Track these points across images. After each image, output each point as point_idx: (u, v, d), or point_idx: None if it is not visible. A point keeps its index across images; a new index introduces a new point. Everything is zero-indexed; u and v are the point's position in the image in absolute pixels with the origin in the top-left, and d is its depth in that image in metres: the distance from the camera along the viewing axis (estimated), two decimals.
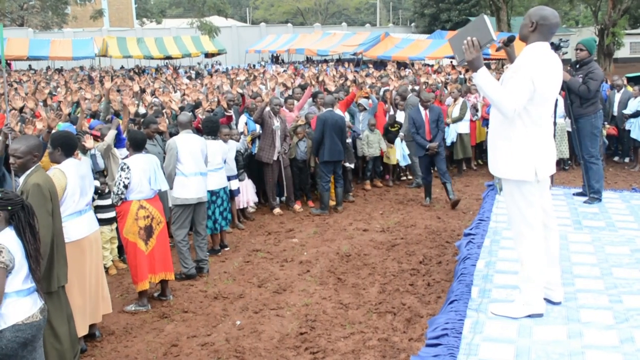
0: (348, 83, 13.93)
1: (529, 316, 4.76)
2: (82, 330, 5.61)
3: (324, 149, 10.20)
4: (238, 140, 9.82)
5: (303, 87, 13.04)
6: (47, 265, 4.76)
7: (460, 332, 4.59)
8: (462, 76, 18.10)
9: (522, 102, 4.42)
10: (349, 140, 11.07)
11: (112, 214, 7.65)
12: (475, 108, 13.34)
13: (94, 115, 8.62)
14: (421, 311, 6.39)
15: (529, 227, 4.66)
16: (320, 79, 13.19)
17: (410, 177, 12.69)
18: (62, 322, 4.98)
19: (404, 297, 6.82)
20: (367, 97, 12.25)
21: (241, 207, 10.10)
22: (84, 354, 5.78)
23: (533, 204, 4.64)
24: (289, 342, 5.92)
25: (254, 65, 34.19)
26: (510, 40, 5.11)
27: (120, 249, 8.03)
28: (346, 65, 27.24)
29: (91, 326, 6.05)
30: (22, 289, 3.96)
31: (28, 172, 4.94)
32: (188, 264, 7.62)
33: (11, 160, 5.03)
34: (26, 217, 4.00)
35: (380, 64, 30.21)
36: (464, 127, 13.04)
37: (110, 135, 7.62)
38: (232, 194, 9.27)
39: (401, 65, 27.10)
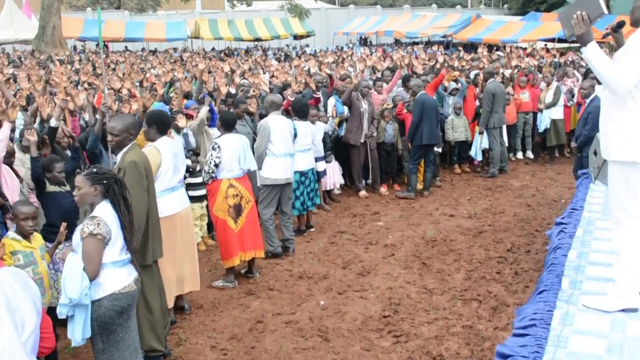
0: (438, 66, 13.68)
1: (623, 310, 4.56)
2: (170, 302, 5.81)
3: (421, 132, 10.07)
4: (326, 122, 9.85)
5: (392, 70, 12.92)
6: (142, 239, 4.93)
7: (549, 324, 4.46)
8: (556, 60, 17.46)
9: (634, 80, 4.19)
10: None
11: (202, 192, 7.85)
12: (571, 93, 12.84)
13: (187, 95, 8.84)
14: (508, 300, 6.27)
15: (630, 217, 4.45)
16: (407, 61, 13.02)
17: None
18: (155, 295, 5.17)
19: (490, 285, 6.70)
20: (456, 81, 12.01)
21: (327, 188, 10.14)
22: (173, 325, 5.99)
23: (638, 195, 4.42)
24: (372, 325, 5.94)
25: (342, 48, 34.13)
26: (620, 25, 4.80)
27: (210, 226, 8.24)
28: (435, 47, 26.76)
29: (180, 299, 6.27)
30: (118, 259, 4.14)
31: (125, 149, 5.12)
32: (274, 243, 7.75)
33: (109, 137, 5.23)
34: (120, 190, 4.16)
35: (470, 46, 29.54)
36: (557, 112, 12.56)
37: (203, 111, 7.83)
38: (319, 176, 9.33)
39: (492, 48, 26.42)
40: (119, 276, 4.13)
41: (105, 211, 4.09)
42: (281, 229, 8.00)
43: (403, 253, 7.80)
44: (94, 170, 4.13)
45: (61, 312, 3.96)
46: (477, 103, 12.03)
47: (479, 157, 11.92)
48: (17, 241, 4.78)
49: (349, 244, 8.24)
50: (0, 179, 5.52)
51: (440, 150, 11.22)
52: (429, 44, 33.43)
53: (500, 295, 6.41)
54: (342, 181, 10.64)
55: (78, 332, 3.98)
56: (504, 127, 11.92)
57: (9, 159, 5.78)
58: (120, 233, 4.14)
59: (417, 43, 34.84)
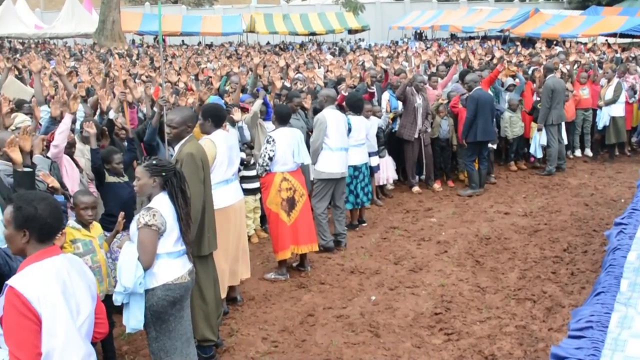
0: (495, 61, 13.45)
1: None
2: (223, 293, 5.88)
3: (475, 128, 9.93)
4: (380, 117, 9.81)
5: (448, 65, 12.77)
6: (197, 231, 5.00)
7: (606, 326, 4.34)
8: (618, 55, 16.94)
9: None
10: None
11: (256, 185, 7.92)
12: (633, 90, 12.45)
13: (243, 89, 8.92)
14: (563, 301, 6.13)
15: None
16: (463, 56, 12.83)
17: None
18: (209, 285, 5.24)
19: (545, 285, 6.57)
20: (514, 76, 11.78)
21: (380, 183, 10.11)
22: (225, 316, 6.06)
23: None
24: (423, 321, 5.90)
25: (397, 42, 33.88)
26: None
27: (263, 218, 8.31)
28: (492, 42, 26.31)
29: (233, 291, 6.34)
30: (172, 251, 4.20)
31: (182, 141, 5.19)
32: (326, 237, 7.76)
33: (167, 130, 5.31)
34: (178, 182, 4.22)
35: (528, 41, 28.91)
36: (618, 109, 12.18)
37: (257, 103, 7.89)
38: (372, 171, 9.30)
39: (551, 43, 25.82)
40: (173, 267, 4.20)
41: (162, 203, 4.16)
42: (334, 223, 8.01)
43: (456, 250, 7.71)
44: (154, 162, 4.20)
45: (116, 300, 4.08)
46: (535, 98, 11.77)
47: (539, 154, 11.67)
48: (76, 230, 4.90)
49: (401, 240, 8.19)
50: (61, 169, 5.67)
51: (495, 146, 11.03)
52: (485, 38, 32.85)
53: (556, 295, 6.27)
54: (395, 176, 10.57)
55: (132, 320, 4.09)
56: (563, 124, 11.64)
57: (70, 149, 5.93)
58: (176, 225, 4.20)
59: (473, 38, 34.30)
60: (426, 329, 5.76)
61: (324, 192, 7.78)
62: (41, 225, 2.97)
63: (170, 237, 4.18)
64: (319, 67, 15.43)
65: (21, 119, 6.85)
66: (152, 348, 4.30)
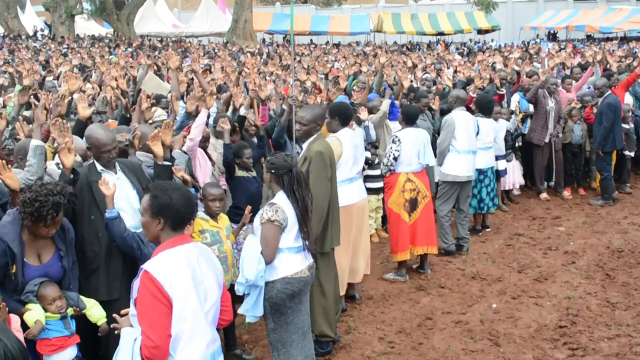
0: (635, 63, 12.71)
1: None
2: (342, 290, 5.93)
3: (612, 137, 9.44)
4: (509, 120, 9.54)
5: (583, 67, 12.20)
6: (322, 228, 5.08)
7: None
8: None
9: None
10: (629, 126, 10.15)
11: (379, 184, 7.92)
12: None
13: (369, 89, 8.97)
14: None
15: None
16: (599, 58, 12.20)
17: None
18: (329, 281, 5.31)
19: None
20: None
21: (506, 188, 9.84)
22: (344, 313, 6.11)
23: None
24: (546, 334, 5.68)
25: (529, 43, 32.76)
26: None
27: (385, 218, 8.30)
28: (633, 44, 24.80)
29: (352, 288, 6.39)
30: (293, 246, 4.31)
31: (310, 139, 5.29)
32: (448, 240, 7.65)
33: (296, 127, 5.42)
34: (290, 181, 4.30)
35: None
36: None
37: (386, 104, 7.90)
38: (499, 175, 9.06)
39: None
40: (293, 261, 4.30)
41: (283, 199, 4.28)
42: (456, 226, 7.88)
43: (585, 262, 7.36)
44: (270, 158, 4.35)
45: (238, 290, 4.27)
46: None
47: None
48: (205, 220, 5.10)
49: (526, 248, 7.93)
50: (194, 162, 5.93)
51: (632, 154, 10.41)
52: (625, 39, 31.08)
53: None
54: (522, 181, 10.27)
55: (250, 310, 4.26)
56: None
57: (204, 143, 6.18)
58: (297, 221, 4.29)
59: (611, 39, 32.56)
60: (549, 342, 5.54)
61: (448, 195, 7.68)
62: (175, 213, 3.11)
63: (292, 232, 4.28)
64: (448, 68, 15.21)
65: (159, 114, 7.23)
66: (270, 339, 4.43)
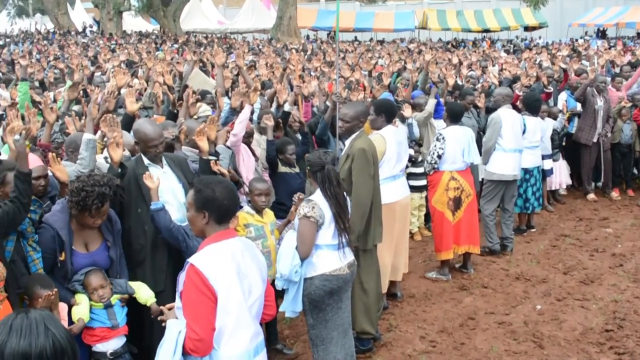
0: None
1: None
2: (384, 287, 5.91)
3: None
4: (555, 119, 9.37)
5: (634, 65, 11.92)
6: (364, 225, 5.07)
7: None
8: None
9: None
10: None
11: (423, 182, 7.87)
12: None
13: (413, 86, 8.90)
14: None
15: None
16: None
17: None
18: (371, 278, 5.29)
19: None
20: None
21: (552, 188, 9.70)
22: (385, 311, 6.09)
23: None
24: (592, 337, 5.57)
25: (577, 40, 32.09)
26: None
27: (427, 216, 8.25)
28: None
29: (394, 286, 6.36)
30: (331, 243, 4.31)
31: (353, 136, 5.29)
32: (493, 240, 7.57)
33: (339, 123, 5.42)
34: (322, 178, 4.31)
35: None
36: None
37: (431, 104, 7.84)
38: (545, 174, 8.92)
39: None
40: (331, 258, 4.30)
41: (320, 196, 4.30)
42: (501, 226, 7.78)
43: (633, 265, 7.19)
44: (308, 155, 4.36)
45: (277, 285, 4.30)
46: None
47: None
48: (250, 215, 5.14)
49: (572, 249, 7.79)
50: (238, 157, 5.98)
51: None
52: None
53: None
54: (569, 181, 10.08)
55: (290, 305, 4.29)
56: None
57: (248, 139, 6.23)
58: (333, 218, 4.29)
59: None
60: (595, 345, 5.44)
61: (493, 194, 7.59)
62: (218, 207, 3.14)
63: (330, 229, 4.28)
64: (493, 65, 15.01)
65: (203, 109, 7.31)
66: (310, 334, 4.46)
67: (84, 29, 37.01)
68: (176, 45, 26.66)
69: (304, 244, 4.20)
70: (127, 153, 5.05)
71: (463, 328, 5.83)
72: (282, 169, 6.18)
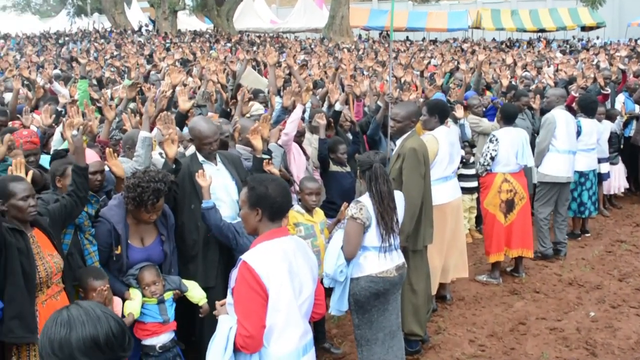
0: None
1: None
2: (434, 289, 5.87)
3: None
4: (613, 121, 9.14)
5: None
6: (414, 225, 5.05)
7: None
8: None
9: None
10: None
11: (474, 184, 7.79)
12: None
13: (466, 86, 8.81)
14: None
15: None
16: None
17: None
18: (421, 279, 5.26)
19: None
20: None
21: (611, 192, 9.48)
22: (434, 313, 6.05)
23: None
24: None
25: (636, 40, 31.20)
26: None
27: (478, 219, 8.15)
28: None
29: (443, 288, 6.31)
30: (378, 245, 4.29)
31: (404, 136, 5.27)
32: (546, 244, 7.44)
33: (391, 123, 5.41)
34: (369, 178, 4.30)
35: None
36: None
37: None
38: (601, 178, 8.71)
39: None
40: (378, 260, 4.29)
41: (368, 197, 4.29)
42: (554, 230, 7.63)
43: None
44: (358, 155, 4.37)
45: (324, 282, 4.29)
46: None
47: None
48: (300, 214, 5.16)
49: (628, 255, 7.59)
50: (289, 156, 6.02)
51: None
52: None
53: None
54: (627, 185, 9.82)
55: (336, 304, 4.33)
56: None
57: (299, 137, 6.26)
58: (375, 218, 4.28)
59: None
60: None
61: (547, 197, 7.45)
62: (271, 204, 3.17)
63: (376, 232, 4.27)
64: (549, 66, 14.73)
65: (256, 108, 7.38)
66: (355, 334, 4.48)
67: (140, 27, 37.72)
68: (229, 44, 26.95)
69: (349, 244, 4.21)
70: (181, 149, 5.14)
71: (513, 333, 5.75)
72: (334, 167, 6.20)
